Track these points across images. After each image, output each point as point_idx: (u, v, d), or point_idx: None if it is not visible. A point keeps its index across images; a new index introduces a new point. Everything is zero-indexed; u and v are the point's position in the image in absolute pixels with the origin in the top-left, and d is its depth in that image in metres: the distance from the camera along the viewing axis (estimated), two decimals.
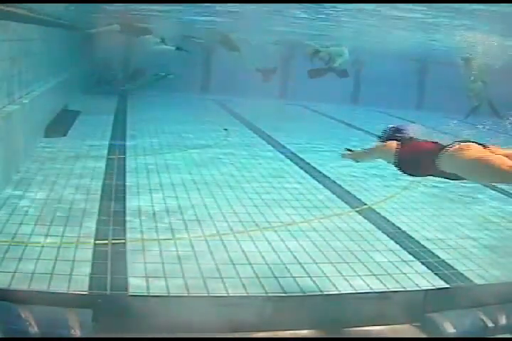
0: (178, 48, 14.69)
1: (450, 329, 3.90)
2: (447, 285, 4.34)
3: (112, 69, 15.72)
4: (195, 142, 9.53)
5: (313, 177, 7.58)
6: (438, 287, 4.28)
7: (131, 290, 3.82)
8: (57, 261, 4.16)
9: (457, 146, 3.36)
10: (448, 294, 4.25)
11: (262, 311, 3.84)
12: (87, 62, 14.83)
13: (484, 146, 3.33)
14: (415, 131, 3.89)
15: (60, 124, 9.68)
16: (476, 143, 3.36)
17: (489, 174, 3.23)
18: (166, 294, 3.83)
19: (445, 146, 3.42)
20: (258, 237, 5.08)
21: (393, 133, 3.90)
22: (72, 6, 9.08)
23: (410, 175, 3.85)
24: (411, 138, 3.80)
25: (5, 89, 6.44)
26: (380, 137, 4.02)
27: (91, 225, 4.99)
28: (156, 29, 13.69)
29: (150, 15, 12.05)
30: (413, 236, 5.43)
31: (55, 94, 10.03)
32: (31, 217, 5.08)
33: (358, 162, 4.43)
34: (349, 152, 4.17)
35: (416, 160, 3.60)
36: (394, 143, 3.77)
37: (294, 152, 9.29)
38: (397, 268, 4.60)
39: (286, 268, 4.43)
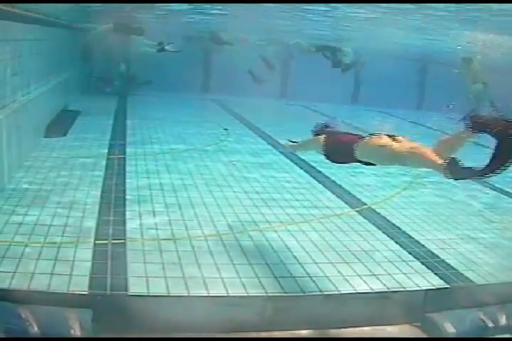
0: (160, 50, 14.24)
1: (450, 329, 3.90)
2: (447, 285, 4.34)
3: (110, 68, 15.60)
4: (195, 142, 9.52)
5: (313, 177, 7.58)
6: (438, 287, 4.29)
7: (131, 290, 3.83)
8: (57, 261, 4.16)
9: (368, 138, 3.95)
10: (448, 294, 4.26)
11: (262, 311, 3.84)
12: (85, 62, 14.76)
13: (393, 137, 3.83)
14: (340, 126, 4.65)
15: (60, 124, 9.67)
16: (387, 135, 3.87)
17: (390, 159, 3.81)
18: (166, 294, 3.83)
19: (359, 138, 4.02)
20: (258, 237, 5.08)
21: (322, 128, 4.62)
22: (62, 6, 9.07)
23: (336, 162, 4.52)
24: (336, 132, 4.47)
25: (5, 88, 6.44)
26: (312, 131, 4.70)
27: (91, 225, 5.00)
28: (149, 29, 13.58)
29: (142, 14, 12.01)
30: (413, 236, 5.43)
31: (55, 94, 10.02)
32: (31, 216, 5.08)
33: (295, 152, 5.18)
34: (291, 143, 4.91)
35: (338, 150, 4.24)
36: (322, 137, 4.43)
37: (293, 152, 9.28)
38: (397, 268, 4.60)
39: (286, 268, 4.43)
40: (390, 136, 3.85)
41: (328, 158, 4.43)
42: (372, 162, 4.05)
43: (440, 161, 3.38)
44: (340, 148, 4.19)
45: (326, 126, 4.64)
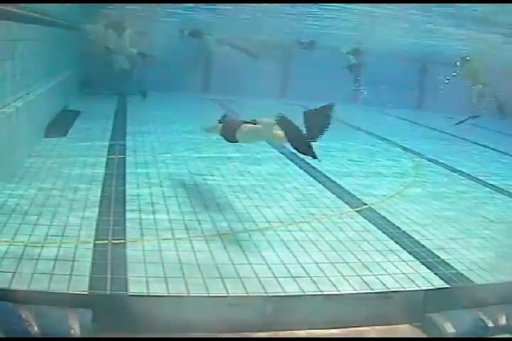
0: (107, 49, 13.18)
1: (450, 329, 3.90)
2: (447, 285, 4.34)
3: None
4: (195, 142, 9.51)
5: (313, 177, 7.58)
6: (438, 287, 4.29)
7: (131, 290, 3.83)
8: (57, 261, 4.16)
9: (243, 125, 5.58)
10: (448, 294, 4.25)
11: (262, 311, 3.84)
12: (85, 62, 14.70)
13: (254, 122, 5.51)
14: (236, 116, 6.52)
15: (60, 124, 9.66)
16: (249, 121, 5.59)
17: (255, 138, 6.04)
18: (166, 294, 3.83)
19: (238, 125, 5.62)
20: (258, 237, 5.08)
21: (223, 118, 6.32)
22: (62, 6, 9.08)
23: (230, 141, 6.04)
24: (231, 120, 6.14)
25: (5, 89, 6.44)
26: (217, 120, 6.35)
27: (91, 225, 4.99)
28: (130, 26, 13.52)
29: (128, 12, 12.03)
30: (413, 236, 5.43)
31: (55, 94, 10.02)
32: (31, 216, 5.08)
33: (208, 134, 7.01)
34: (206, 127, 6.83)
35: (228, 133, 5.90)
36: (221, 124, 6.18)
37: (293, 152, 9.25)
38: (397, 268, 4.60)
39: (286, 268, 4.43)
40: (250, 123, 5.56)
41: (225, 139, 6.10)
42: (246, 142, 6.22)
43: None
44: (229, 133, 5.84)
45: (225, 116, 6.38)
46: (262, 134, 5.44)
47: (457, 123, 13.12)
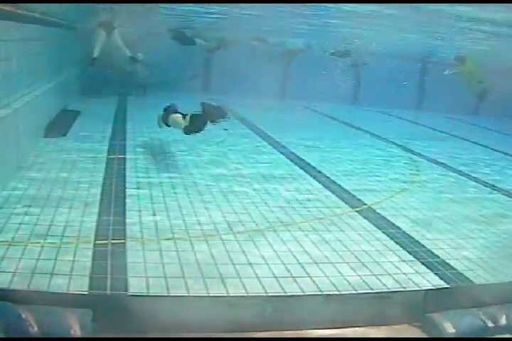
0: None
1: (450, 329, 3.90)
2: (447, 285, 4.34)
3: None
4: (195, 142, 9.50)
5: (313, 177, 7.58)
6: (438, 287, 4.29)
7: (131, 290, 3.83)
8: (57, 261, 4.16)
9: (172, 115, 7.81)
10: (448, 294, 4.25)
11: (262, 311, 3.84)
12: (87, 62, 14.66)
13: (183, 114, 7.63)
14: (176, 107, 8.11)
15: (60, 124, 9.66)
16: (181, 113, 7.74)
17: (175, 124, 7.83)
18: (166, 294, 3.83)
19: (170, 114, 7.92)
20: (258, 237, 5.09)
21: (167, 108, 8.18)
22: (63, 6, 9.06)
23: (166, 125, 8.26)
24: (171, 110, 8.02)
25: (5, 88, 6.43)
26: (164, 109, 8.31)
27: (91, 225, 5.00)
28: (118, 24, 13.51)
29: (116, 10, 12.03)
30: (413, 236, 5.43)
31: (55, 94, 10.02)
32: (31, 216, 5.08)
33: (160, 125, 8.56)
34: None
35: (163, 119, 8.18)
36: (163, 113, 8.21)
37: (293, 152, 9.29)
38: (397, 268, 4.60)
39: (286, 268, 4.43)
40: (182, 114, 7.62)
41: (165, 124, 8.23)
42: (173, 126, 7.93)
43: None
44: (164, 119, 8.14)
45: (170, 106, 8.17)
46: (177, 122, 7.68)
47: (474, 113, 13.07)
